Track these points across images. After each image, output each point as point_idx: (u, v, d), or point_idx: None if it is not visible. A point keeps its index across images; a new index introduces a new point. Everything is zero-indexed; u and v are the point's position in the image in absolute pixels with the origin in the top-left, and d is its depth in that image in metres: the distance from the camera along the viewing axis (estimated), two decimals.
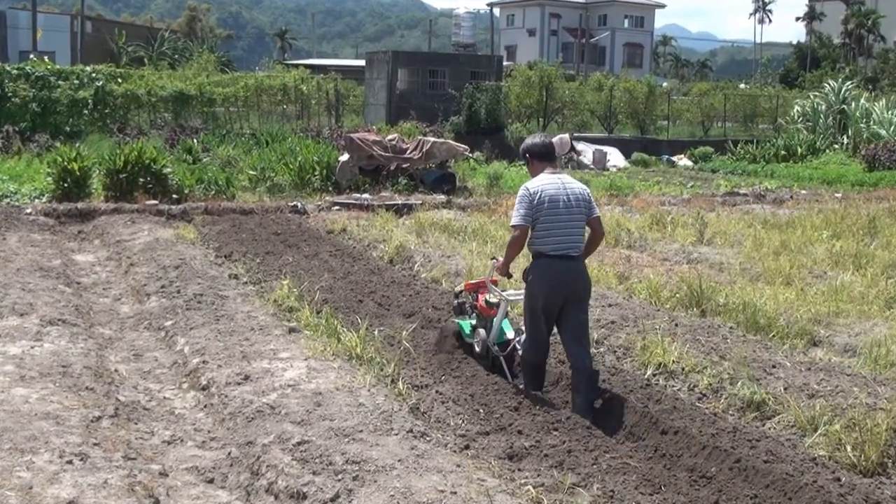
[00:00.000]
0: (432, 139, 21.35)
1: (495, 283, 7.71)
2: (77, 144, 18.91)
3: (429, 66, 34.95)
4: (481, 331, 7.61)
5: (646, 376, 7.28)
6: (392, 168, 20.22)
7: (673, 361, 7.40)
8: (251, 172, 20.05)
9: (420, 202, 17.69)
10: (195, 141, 23.75)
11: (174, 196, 17.11)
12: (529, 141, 7.00)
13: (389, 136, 21.20)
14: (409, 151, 20.45)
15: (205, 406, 6.64)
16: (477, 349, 7.66)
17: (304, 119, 31.65)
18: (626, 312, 8.82)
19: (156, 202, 16.39)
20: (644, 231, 14.86)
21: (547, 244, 6.59)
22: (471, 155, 24.01)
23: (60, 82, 27.33)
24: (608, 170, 28.89)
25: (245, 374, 6.87)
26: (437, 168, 21.17)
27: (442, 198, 18.68)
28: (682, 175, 28.11)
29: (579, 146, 31.08)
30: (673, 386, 7.13)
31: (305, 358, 7.31)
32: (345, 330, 8.08)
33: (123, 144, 19.80)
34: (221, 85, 30.90)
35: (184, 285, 10.06)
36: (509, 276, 7.14)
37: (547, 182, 6.68)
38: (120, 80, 28.96)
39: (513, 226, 6.73)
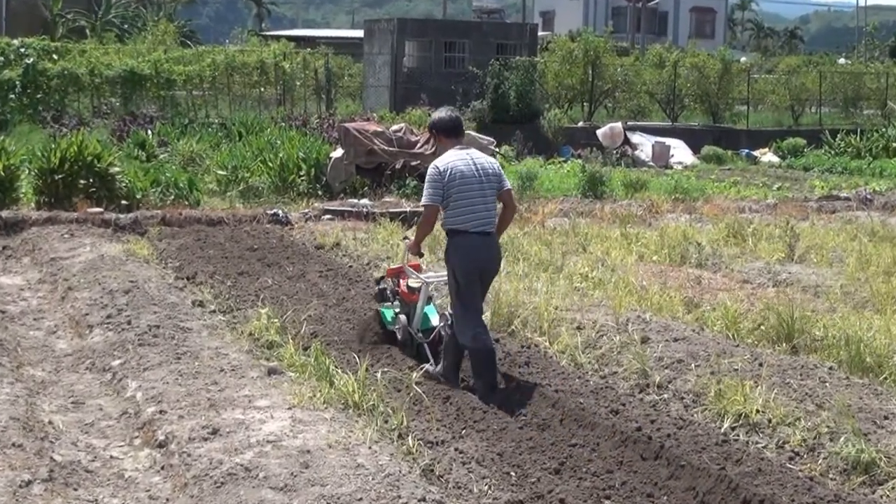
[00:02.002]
0: None
1: (418, 267, 9.10)
2: (1, 137, 18.99)
3: (444, 37, 35.06)
4: (402, 317, 9.02)
5: (722, 430, 7.24)
6: (398, 167, 20.22)
7: (757, 411, 7.35)
8: (220, 172, 20.14)
9: None
10: (150, 133, 23.89)
11: (123, 202, 17.17)
12: (436, 115, 8.54)
13: (394, 127, 21.25)
14: (419, 145, 20.48)
15: (162, 468, 6.64)
16: (399, 336, 9.12)
17: (286, 105, 31.78)
18: (697, 349, 8.79)
19: (100, 210, 16.44)
20: (718, 245, 14.80)
21: (462, 221, 8.12)
22: (497, 150, 24.04)
23: None
24: (671, 167, 28.85)
25: (213, 427, 6.87)
26: None
27: None
28: (767, 174, 28.03)
29: (635, 138, 31.05)
30: (757, 442, 7.09)
31: (289, 406, 7.30)
32: (339, 371, 8.06)
33: (60, 137, 19.91)
34: (182, 62, 31.04)
35: (136, 315, 10.08)
36: (421, 255, 8.88)
37: (457, 158, 8.21)
38: (55, 57, 29.17)
39: (422, 205, 8.27)
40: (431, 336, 8.77)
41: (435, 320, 8.87)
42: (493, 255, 8.33)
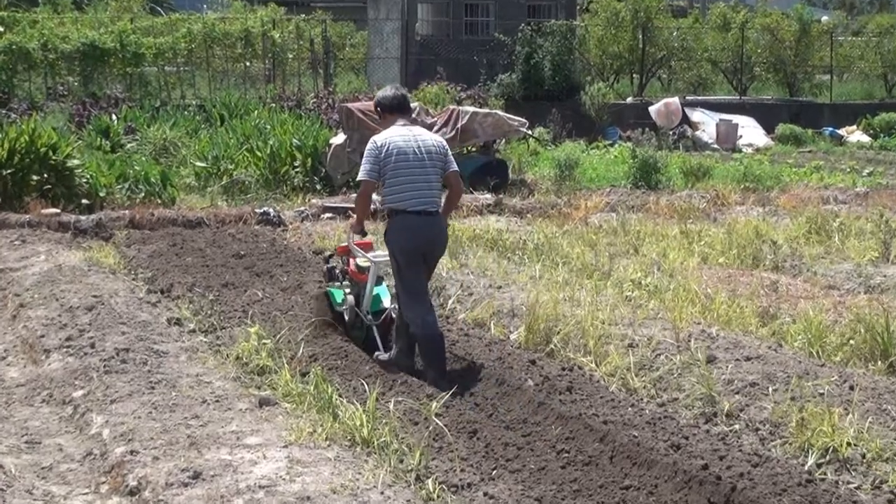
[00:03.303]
0: (471, 109, 21.40)
1: (369, 245, 10.11)
2: None
3: None
4: (350, 298, 10.10)
5: (806, 467, 7.21)
6: None
7: (847, 444, 7.32)
8: (199, 164, 20.21)
9: None
10: (114, 118, 23.97)
11: (84, 201, 17.26)
12: (381, 93, 9.76)
13: None
14: (435, 129, 20.47)
15: None
16: (346, 318, 10.18)
17: (277, 82, 31.84)
18: (774, 369, 8.75)
19: (57, 211, 16.53)
20: (798, 244, 14.75)
21: (400, 200, 9.17)
22: (530, 132, 24.05)
23: None
24: (740, 150, 28.80)
25: (195, 470, 6.87)
26: (479, 153, 21.21)
27: (488, 197, 18.71)
28: (855, 157, 27.96)
29: (695, 115, 31.01)
30: (848, 482, 7.05)
31: (285, 444, 7.31)
32: (344, 401, 8.09)
33: (7, 125, 19.98)
34: (153, 33, 31.14)
35: (100, 336, 10.11)
36: (364, 234, 9.82)
37: (396, 134, 9.28)
38: (1, 29, 29.26)
39: (358, 180, 9.37)
40: (382, 318, 9.97)
41: (386, 302, 10.04)
42: (436, 236, 9.39)
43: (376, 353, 9.66)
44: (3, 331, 11.37)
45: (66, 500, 7.04)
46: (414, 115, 20.26)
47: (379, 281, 10.11)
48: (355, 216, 9.77)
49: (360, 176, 9.28)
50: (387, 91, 9.74)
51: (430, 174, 9.28)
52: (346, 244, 10.40)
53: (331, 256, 11.04)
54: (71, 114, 25.34)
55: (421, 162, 9.23)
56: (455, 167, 9.53)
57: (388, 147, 9.18)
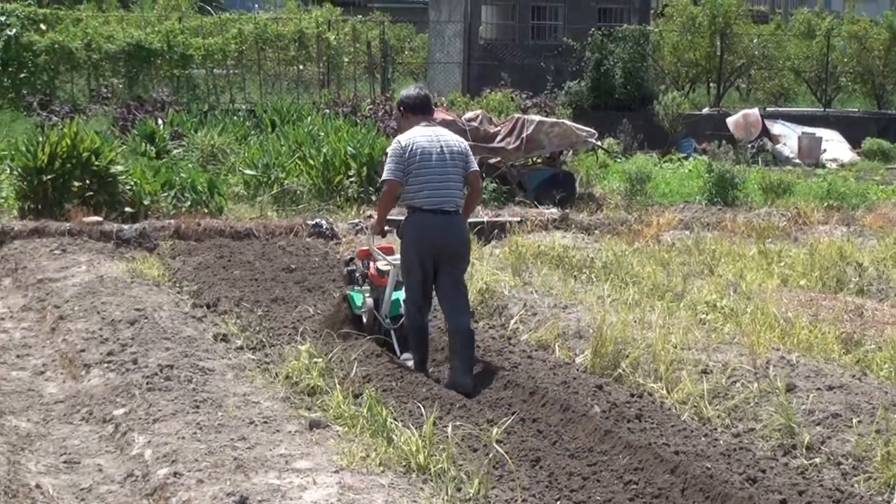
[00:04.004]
0: (537, 118, 21.39)
1: (391, 250, 10.76)
2: None
3: (531, 0, 35.08)
4: (369, 300, 10.80)
5: None
6: None
7: None
8: (248, 172, 20.30)
9: (518, 219, 17.72)
10: (160, 122, 24.12)
11: (128, 210, 17.36)
12: (404, 93, 10.45)
13: (468, 115, 21.30)
14: (499, 138, 20.52)
15: None
16: (364, 320, 10.84)
17: (331, 87, 31.97)
18: (858, 400, 8.70)
19: (99, 219, 16.63)
20: (885, 267, 14.63)
21: (419, 198, 9.81)
22: (599, 143, 24.03)
23: None
24: (823, 166, 28.60)
25: (241, 494, 6.91)
26: (545, 164, 21.19)
27: (554, 212, 18.69)
28: None
29: (775, 128, 30.84)
30: None
31: (336, 469, 7.33)
32: (399, 425, 8.10)
33: (49, 128, 20.15)
34: (202, 34, 31.33)
35: (143, 352, 10.19)
36: (384, 234, 10.51)
37: (420, 135, 9.94)
38: (44, 27, 29.53)
39: (382, 181, 10.08)
40: (400, 322, 10.51)
41: (403, 305, 10.44)
42: (452, 234, 9.97)
43: (399, 358, 10.43)
44: (41, 344, 11.48)
45: None
46: (476, 124, 20.53)
47: (398, 286, 10.58)
48: (376, 216, 10.47)
49: (385, 176, 9.97)
50: (410, 91, 10.45)
51: (451, 174, 9.94)
52: (367, 248, 11.12)
53: (351, 260, 11.64)
54: (115, 117, 25.47)
55: (443, 162, 9.89)
56: (475, 167, 10.23)
57: (413, 147, 9.87)
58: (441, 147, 9.94)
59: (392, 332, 10.66)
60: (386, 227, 10.52)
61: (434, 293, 10.17)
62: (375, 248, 10.76)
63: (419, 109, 10.25)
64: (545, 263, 14.47)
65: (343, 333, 10.79)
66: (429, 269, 9.94)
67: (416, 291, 10.03)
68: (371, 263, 10.99)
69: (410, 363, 10.26)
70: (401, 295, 10.49)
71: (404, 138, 9.99)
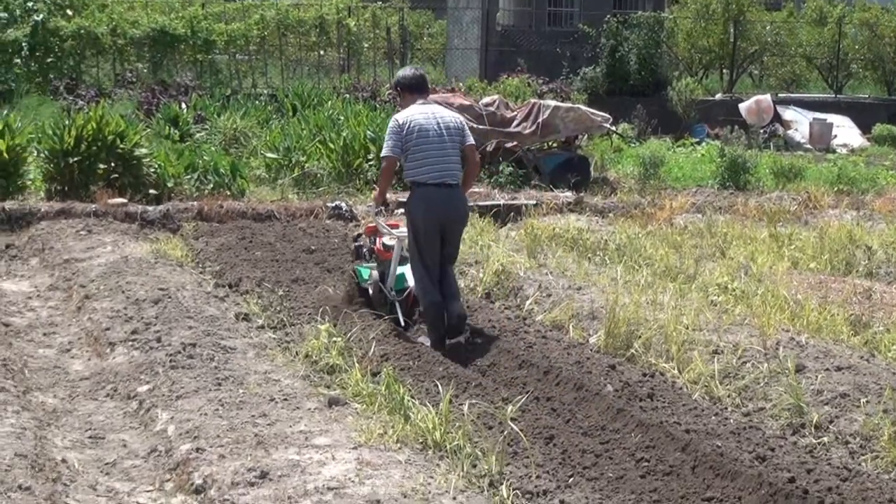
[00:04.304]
0: (553, 103, 21.37)
1: (397, 226, 10.94)
2: (5, 111, 19.35)
3: None
4: (374, 274, 11.11)
5: None
6: (489, 149, 20.26)
7: None
8: (270, 156, 20.31)
9: (534, 202, 17.71)
10: (184, 106, 24.14)
11: (152, 192, 17.39)
12: (400, 73, 10.93)
13: (486, 100, 21.30)
14: (515, 123, 20.51)
15: None
16: (370, 292, 11.22)
17: (352, 72, 31.96)
18: (866, 381, 8.68)
19: (124, 201, 16.68)
20: (894, 250, 14.60)
21: (421, 173, 10.18)
22: (614, 128, 23.99)
23: None
24: (834, 151, 28.51)
25: (261, 469, 6.94)
26: (560, 149, 21.18)
27: (568, 195, 18.69)
28: None
29: (787, 114, 30.74)
30: None
31: (355, 445, 7.36)
32: (416, 402, 8.12)
33: (75, 112, 20.20)
34: (225, 20, 31.35)
35: (167, 330, 10.23)
36: (386, 205, 10.88)
37: (417, 112, 10.31)
38: (70, 13, 29.55)
39: (382, 157, 10.48)
40: (404, 295, 10.92)
41: (411, 281, 10.76)
42: (455, 207, 10.37)
43: (421, 339, 10.50)
44: (67, 323, 11.52)
45: (129, 497, 7.13)
46: (493, 109, 20.52)
47: (403, 260, 10.91)
48: (377, 190, 10.93)
49: (384, 152, 10.37)
50: (406, 71, 10.91)
51: (449, 149, 10.29)
52: (374, 224, 11.46)
53: (359, 236, 12.02)
54: (139, 101, 25.49)
55: (441, 138, 10.24)
56: (471, 141, 10.58)
57: (410, 125, 10.22)
58: (438, 123, 10.32)
59: (397, 304, 10.96)
60: (402, 210, 10.78)
61: None
62: (382, 223, 11.11)
63: (415, 89, 10.61)
64: (560, 246, 14.47)
65: (349, 305, 11.24)
66: (434, 242, 10.26)
67: (427, 263, 10.30)
68: (377, 239, 11.31)
69: (423, 340, 10.44)
70: (406, 270, 10.83)
71: (402, 116, 10.35)
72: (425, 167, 10.19)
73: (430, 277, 10.30)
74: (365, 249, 11.64)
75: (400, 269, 10.96)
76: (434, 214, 10.20)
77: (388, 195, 11.06)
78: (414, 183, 10.31)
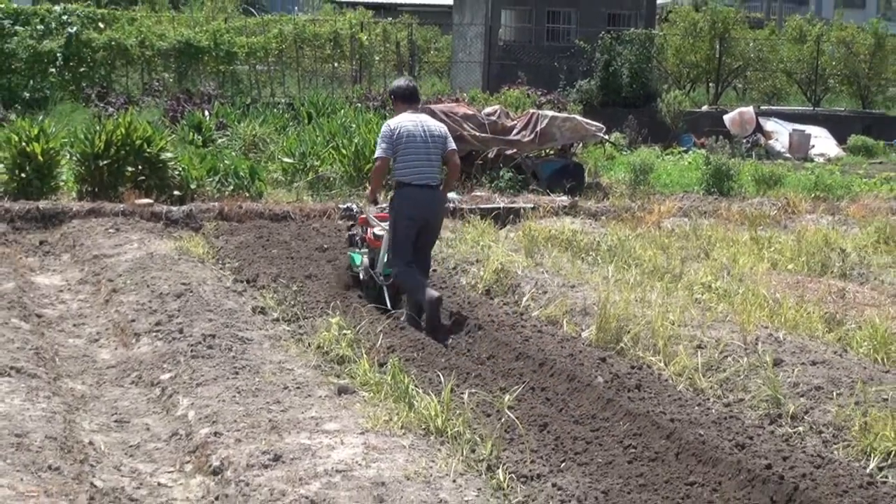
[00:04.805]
0: (550, 114, 21.37)
1: (386, 218, 11.15)
2: (40, 117, 19.37)
3: (547, 5, 35.05)
4: (365, 259, 11.68)
5: (867, 470, 7.15)
6: (490, 155, 20.29)
7: None
8: (286, 160, 20.32)
9: (531, 206, 17.72)
10: (207, 114, 24.18)
11: (176, 193, 17.42)
12: (395, 84, 11.58)
13: (488, 110, 21.30)
14: (515, 131, 20.51)
15: (216, 498, 6.72)
16: (362, 276, 11.76)
17: (363, 83, 32.00)
18: (839, 374, 8.68)
19: (150, 201, 16.70)
20: (866, 253, 14.61)
21: (407, 174, 10.70)
22: (607, 137, 23.99)
23: (17, 28, 28.11)
24: (812, 160, 28.53)
25: (275, 452, 6.95)
26: (557, 156, 21.19)
27: (564, 199, 18.68)
28: None
29: (769, 125, 30.78)
30: None
31: (362, 431, 7.36)
32: (420, 391, 8.13)
33: (105, 118, 20.23)
34: (245, 33, 31.42)
35: (188, 322, 10.24)
36: (376, 202, 11.56)
37: (406, 120, 10.84)
38: (101, 26, 29.64)
39: (375, 158, 11.05)
40: (391, 279, 11.18)
41: (386, 264, 11.22)
42: (434, 206, 10.92)
43: (401, 312, 10.96)
44: (96, 314, 11.54)
45: (151, 478, 7.14)
46: (494, 118, 20.53)
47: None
48: (370, 187, 11.58)
49: (377, 154, 10.89)
50: (400, 82, 11.51)
51: (433, 154, 10.83)
52: (365, 215, 11.94)
53: (352, 226, 12.52)
54: (165, 109, 25.57)
55: (426, 143, 10.77)
56: (453, 146, 11.07)
57: (400, 130, 10.75)
58: (424, 130, 10.84)
59: (385, 288, 11.32)
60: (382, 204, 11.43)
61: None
62: (372, 216, 11.69)
63: (407, 99, 11.18)
64: (555, 246, 14.47)
65: (346, 284, 12.07)
66: (413, 233, 10.80)
67: (403, 252, 10.81)
68: (369, 229, 11.77)
69: (402, 315, 10.85)
70: None
71: (393, 122, 10.90)
72: (411, 169, 10.72)
73: (402, 258, 10.82)
74: (357, 238, 12.15)
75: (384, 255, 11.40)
76: (415, 212, 10.75)
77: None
78: (400, 182, 10.83)
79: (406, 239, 10.82)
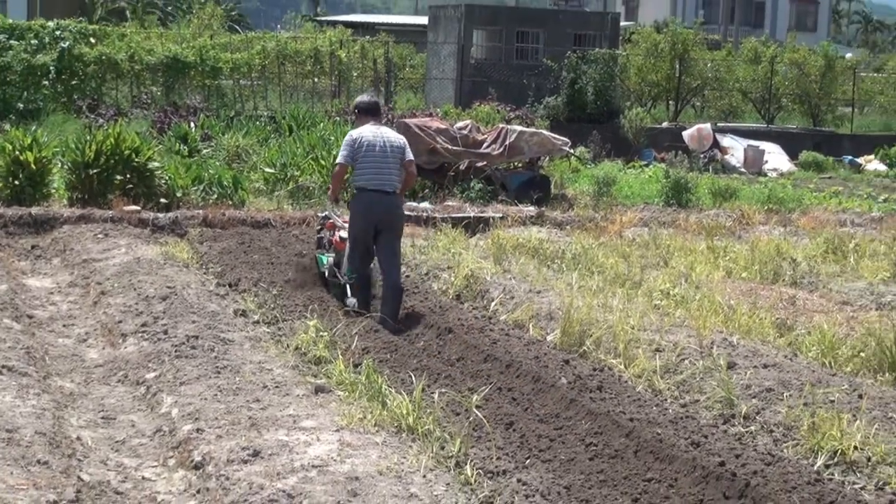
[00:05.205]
0: (519, 128, 21.44)
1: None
2: (33, 127, 19.32)
3: (516, 26, 35.12)
4: (329, 259, 12.13)
5: (815, 468, 7.17)
6: (462, 167, 20.30)
7: (854, 448, 7.28)
8: (268, 170, 20.30)
9: (500, 215, 17.71)
10: (192, 125, 24.13)
11: (162, 201, 17.39)
12: (358, 99, 12.14)
13: (459, 124, 21.32)
14: (486, 145, 20.53)
15: (198, 491, 6.72)
16: (326, 275, 12.21)
17: (342, 97, 31.96)
18: (789, 377, 8.72)
19: (137, 208, 16.66)
20: (815, 262, 14.67)
21: (364, 180, 11.09)
22: (572, 151, 24.04)
23: (12, 42, 28.04)
24: (765, 174, 28.66)
25: (254, 448, 6.94)
26: (524, 168, 21.21)
27: (531, 209, 18.69)
28: (872, 184, 27.75)
29: (725, 141, 30.90)
30: (854, 483, 7.01)
31: (337, 428, 7.36)
32: (392, 391, 8.12)
33: (96, 128, 20.18)
34: (230, 49, 31.39)
35: (173, 324, 10.21)
36: (337, 201, 12.16)
37: (367, 131, 11.23)
38: (93, 41, 29.58)
39: (336, 163, 11.58)
40: (354, 278, 11.42)
41: (346, 260, 11.56)
42: (388, 210, 11.22)
43: (346, 300, 11.32)
44: (85, 316, 11.50)
45: (136, 472, 7.13)
46: (466, 132, 20.54)
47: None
48: (331, 189, 12.12)
49: (338, 160, 11.38)
50: (364, 98, 12.08)
51: (391, 163, 11.16)
52: (332, 220, 12.29)
53: (321, 229, 12.83)
54: (153, 120, 25.54)
55: (384, 153, 11.12)
56: (410, 157, 11.44)
57: (361, 140, 11.13)
58: (383, 141, 11.19)
59: (348, 286, 11.49)
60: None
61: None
62: (337, 220, 12.11)
63: (369, 112, 11.60)
64: (523, 254, 14.47)
65: (309, 282, 12.49)
66: (370, 235, 11.16)
67: (360, 251, 11.23)
68: (335, 233, 12.06)
69: (351, 303, 11.20)
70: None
71: (355, 132, 11.32)
72: (368, 175, 11.08)
73: (360, 257, 11.26)
74: (325, 240, 12.49)
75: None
76: (371, 214, 11.09)
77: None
78: (357, 187, 11.22)
79: (361, 236, 11.18)
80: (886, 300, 12.56)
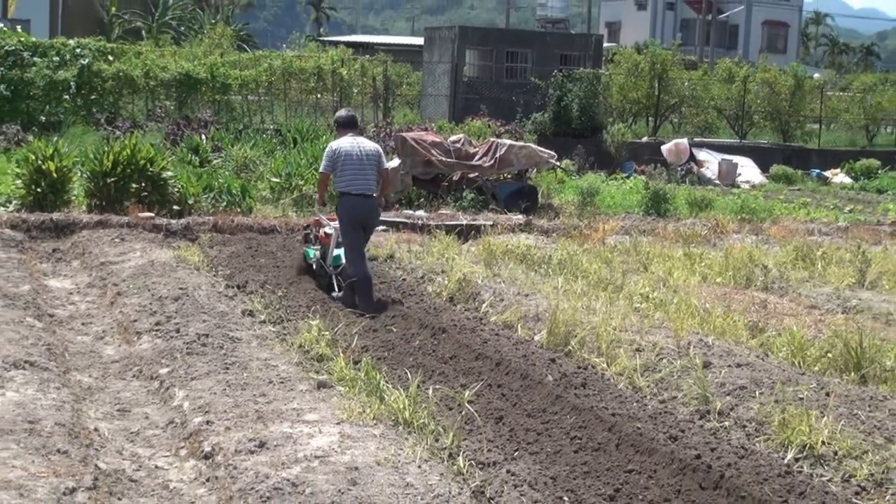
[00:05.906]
0: (508, 142, 21.45)
1: (335, 219, 12.19)
2: (55, 139, 19.27)
3: (506, 46, 35.14)
4: (317, 253, 12.75)
5: (785, 461, 7.18)
6: (455, 178, 20.31)
7: (822, 443, 7.28)
8: (274, 180, 20.29)
9: (491, 223, 17.72)
10: (203, 137, 24.11)
11: (175, 207, 17.38)
12: (337, 114, 12.71)
13: (453, 138, 21.32)
14: (477, 157, 20.54)
15: (207, 479, 6.71)
16: (314, 267, 12.82)
17: None
18: (760, 376, 8.72)
19: (152, 214, 16.66)
20: (785, 269, 14.68)
21: (345, 185, 11.71)
22: (558, 163, 24.04)
23: (36, 59, 28.01)
24: (738, 186, 28.71)
25: (260, 439, 6.94)
26: (513, 179, 21.22)
27: (520, 218, 18.69)
28: (838, 196, 27.81)
29: (701, 154, 30.95)
30: (822, 475, 7.01)
31: (338, 421, 7.36)
32: (390, 387, 8.12)
33: (113, 140, 20.15)
34: (239, 66, 31.39)
35: (185, 322, 10.21)
36: (324, 204, 12.46)
37: (346, 142, 11.88)
38: (111, 58, 29.56)
39: (320, 172, 12.12)
40: (339, 269, 12.12)
41: (344, 259, 12.01)
42: (369, 211, 11.90)
43: (333, 293, 12.03)
44: (102, 315, 11.48)
45: (149, 461, 7.11)
46: (459, 145, 20.54)
47: (339, 245, 12.16)
48: (318, 194, 12.53)
49: (321, 169, 12.01)
50: (342, 113, 12.63)
51: (368, 169, 11.81)
52: (315, 218, 13.15)
53: (307, 226, 13.60)
54: (167, 133, 25.53)
55: (360, 161, 11.77)
56: (386, 165, 12.26)
57: (339, 150, 11.81)
58: (359, 150, 11.85)
59: (333, 276, 12.21)
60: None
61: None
62: (323, 217, 12.82)
63: (347, 126, 12.26)
64: (512, 259, 14.47)
65: (300, 274, 13.00)
66: (358, 231, 11.81)
67: (353, 245, 11.77)
68: (320, 229, 12.76)
69: (337, 294, 11.93)
70: (341, 252, 12.08)
71: (335, 144, 11.99)
72: (348, 181, 11.72)
73: (356, 255, 11.75)
74: (311, 236, 13.19)
75: (336, 251, 12.26)
76: (354, 215, 11.71)
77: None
78: (341, 193, 11.83)
79: (352, 234, 11.77)
80: (851, 304, 12.58)
